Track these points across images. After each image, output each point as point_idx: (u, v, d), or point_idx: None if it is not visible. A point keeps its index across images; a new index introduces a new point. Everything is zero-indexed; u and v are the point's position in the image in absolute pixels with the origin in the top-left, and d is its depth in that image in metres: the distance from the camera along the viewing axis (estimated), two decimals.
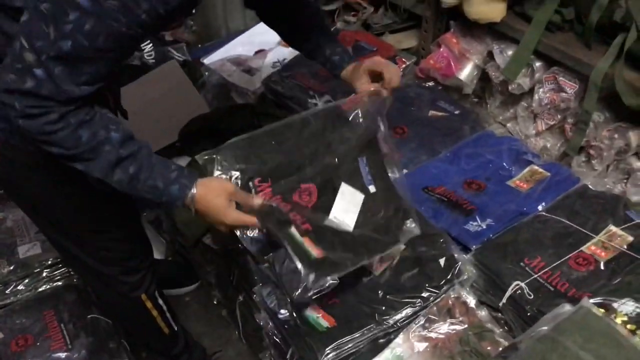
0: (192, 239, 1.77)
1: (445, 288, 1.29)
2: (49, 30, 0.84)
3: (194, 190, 1.04)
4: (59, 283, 1.60)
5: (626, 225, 1.31)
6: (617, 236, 1.29)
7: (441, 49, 1.83)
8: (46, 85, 0.87)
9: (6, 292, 1.55)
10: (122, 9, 0.83)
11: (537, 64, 1.61)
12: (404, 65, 1.93)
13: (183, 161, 1.86)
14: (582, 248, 1.28)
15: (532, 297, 1.21)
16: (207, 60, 2.23)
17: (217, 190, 1.06)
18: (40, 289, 1.57)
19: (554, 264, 1.25)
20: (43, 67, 0.85)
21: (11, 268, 1.57)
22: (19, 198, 1.24)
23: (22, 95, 0.87)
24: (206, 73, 2.17)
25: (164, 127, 1.93)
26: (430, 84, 1.90)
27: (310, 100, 1.81)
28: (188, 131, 1.92)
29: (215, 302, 1.91)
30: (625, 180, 1.50)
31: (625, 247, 1.26)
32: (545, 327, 0.95)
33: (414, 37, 2.04)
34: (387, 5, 2.07)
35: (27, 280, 1.56)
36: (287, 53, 2.14)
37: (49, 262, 1.60)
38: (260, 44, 2.26)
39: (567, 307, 1.02)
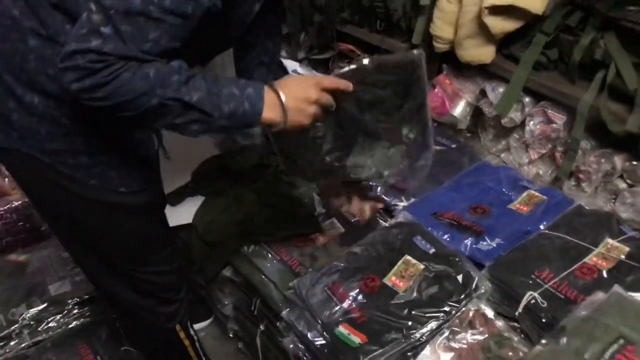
0: (211, 274, 1.85)
1: (464, 302, 1.40)
2: None
3: (275, 88, 1.03)
4: (89, 319, 1.65)
5: (621, 238, 1.45)
6: (615, 248, 1.43)
7: (436, 89, 2.00)
8: (111, 42, 0.88)
9: (38, 329, 1.59)
10: None
11: (527, 99, 1.79)
12: None
13: (197, 200, 1.96)
14: (585, 259, 1.41)
15: (545, 305, 1.33)
16: None
17: (297, 78, 1.08)
18: (71, 325, 1.62)
19: (562, 275, 1.38)
20: (111, 24, 0.87)
21: (44, 306, 1.62)
22: (72, 233, 1.29)
23: (85, 54, 0.87)
24: None
25: (178, 168, 2.03)
26: None
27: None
28: (201, 172, 2.03)
29: (230, 335, 1.97)
30: (613, 200, 1.65)
31: (623, 256, 1.40)
32: (584, 312, 1.08)
33: None
34: (381, 53, 2.24)
35: (59, 317, 1.61)
36: None
37: (80, 299, 1.65)
38: None
39: (600, 295, 1.15)
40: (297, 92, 1.05)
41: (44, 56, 1.04)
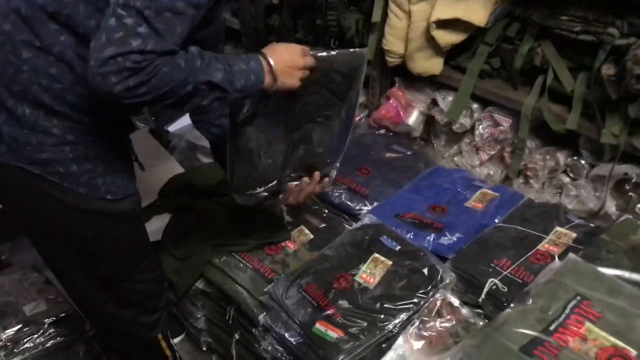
0: (182, 288, 1.87)
1: (432, 293, 1.49)
2: None
3: (265, 55, 1.16)
4: (65, 338, 1.66)
5: (569, 226, 1.59)
6: (564, 234, 1.56)
7: (390, 101, 2.11)
8: (151, 40, 0.95)
9: (14, 350, 1.59)
10: None
11: (475, 105, 1.93)
12: (358, 118, 2.20)
13: (164, 218, 1.99)
14: (538, 247, 1.53)
15: (506, 290, 1.43)
16: (171, 128, 2.41)
17: (284, 45, 1.21)
18: (47, 345, 1.62)
19: (518, 262, 1.50)
20: (145, 24, 0.95)
21: (19, 326, 1.61)
22: (62, 246, 1.32)
23: (127, 55, 0.93)
24: (174, 139, 2.34)
25: (143, 187, 2.06)
26: (382, 131, 2.17)
27: None
28: (167, 190, 2.07)
29: (204, 349, 1.99)
30: (559, 194, 1.80)
31: (571, 242, 1.53)
32: (544, 278, 1.20)
33: (362, 94, 2.32)
34: None
35: (35, 337, 1.61)
36: None
37: (56, 317, 1.65)
38: None
39: (557, 263, 1.27)
40: (285, 58, 1.19)
41: (38, 67, 1.09)
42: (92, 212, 1.23)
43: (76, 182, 1.18)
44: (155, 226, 1.96)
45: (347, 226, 1.80)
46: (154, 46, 0.96)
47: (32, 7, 1.08)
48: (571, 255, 1.35)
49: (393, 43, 1.98)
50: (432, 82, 2.04)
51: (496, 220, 1.67)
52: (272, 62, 1.16)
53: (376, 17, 2.02)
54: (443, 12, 1.79)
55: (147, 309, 1.47)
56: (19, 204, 1.27)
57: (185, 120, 2.44)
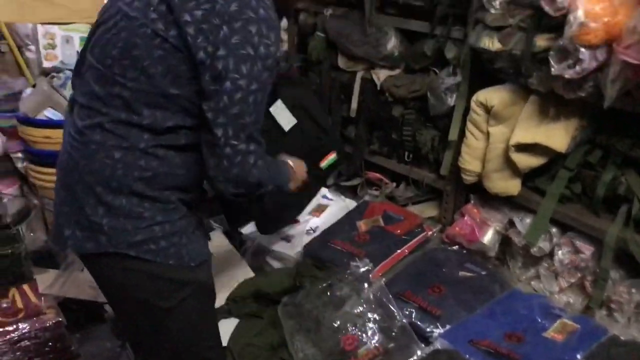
0: None
1: None
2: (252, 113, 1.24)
3: (291, 168, 1.60)
4: None
5: None
6: None
7: (465, 218, 2.09)
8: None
9: None
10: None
11: (554, 229, 1.88)
12: (430, 232, 2.18)
13: (231, 322, 1.99)
14: None
15: None
16: (244, 230, 2.46)
17: (296, 161, 1.66)
18: None
19: None
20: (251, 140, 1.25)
21: None
22: (152, 322, 1.42)
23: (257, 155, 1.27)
24: (246, 241, 2.38)
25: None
26: (455, 247, 2.14)
27: (353, 263, 2.01)
28: (236, 295, 2.08)
29: None
30: None
31: None
32: None
33: (435, 208, 2.32)
34: (409, 181, 2.38)
35: None
36: (319, 222, 2.39)
37: None
38: None
39: None
40: (299, 169, 1.65)
41: (129, 163, 1.27)
42: (179, 281, 1.38)
43: (166, 255, 1.34)
44: (222, 331, 1.96)
45: (417, 350, 1.73)
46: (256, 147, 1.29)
47: (118, 121, 1.26)
48: None
49: (469, 162, 1.98)
50: (509, 202, 2.01)
51: (578, 357, 1.57)
52: (295, 170, 1.59)
53: (453, 135, 2.05)
54: (523, 136, 1.80)
55: None
56: (114, 285, 1.42)
57: None
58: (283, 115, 1.95)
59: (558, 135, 1.78)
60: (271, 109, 1.86)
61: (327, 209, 2.47)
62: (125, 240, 1.31)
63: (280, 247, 2.32)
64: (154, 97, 1.24)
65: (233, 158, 1.22)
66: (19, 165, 2.87)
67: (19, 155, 2.84)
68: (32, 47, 2.87)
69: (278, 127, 2.20)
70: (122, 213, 1.30)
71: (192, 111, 1.26)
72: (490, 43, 1.75)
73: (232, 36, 1.16)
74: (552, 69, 1.58)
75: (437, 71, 2.14)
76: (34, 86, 2.76)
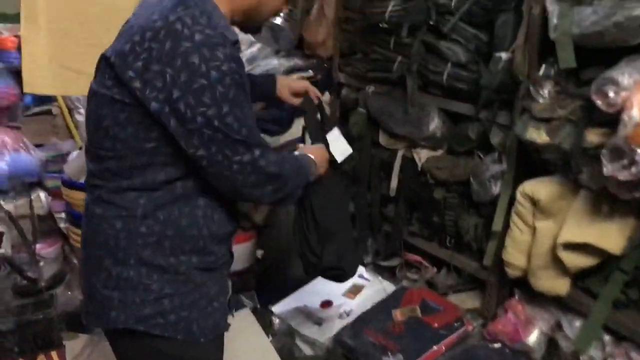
0: None
1: None
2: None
3: (310, 155, 1.50)
4: None
5: None
6: None
7: (508, 314, 1.94)
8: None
9: None
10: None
11: (607, 337, 1.70)
12: (471, 327, 2.03)
13: None
14: None
15: None
16: (276, 309, 2.36)
17: (312, 148, 1.60)
18: None
19: None
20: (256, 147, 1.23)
21: None
22: None
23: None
24: (277, 321, 2.28)
25: None
26: (498, 345, 1.98)
27: (386, 358, 1.88)
28: None
29: None
30: None
31: None
32: None
33: (477, 298, 2.17)
34: (450, 268, 2.24)
35: None
36: (354, 305, 2.28)
37: None
38: (325, 294, 2.39)
39: None
40: (319, 155, 1.55)
41: (131, 230, 1.25)
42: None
43: (175, 329, 1.29)
44: None
45: None
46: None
47: (113, 190, 1.26)
48: None
49: (514, 256, 1.85)
50: (557, 301, 1.85)
51: None
52: (316, 158, 1.51)
53: (497, 225, 1.93)
54: (572, 234, 1.66)
55: None
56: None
57: (291, 302, 2.39)
58: (338, 144, 1.81)
59: (612, 236, 1.63)
60: (328, 136, 1.72)
61: (363, 291, 2.36)
62: (133, 314, 1.27)
63: (311, 331, 2.20)
64: (136, 158, 1.22)
65: (244, 170, 1.22)
66: (62, 225, 2.90)
67: (62, 215, 2.88)
68: (82, 111, 2.93)
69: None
70: (131, 285, 1.27)
71: (177, 157, 1.22)
72: (537, 135, 1.64)
73: (178, 75, 1.13)
74: (605, 169, 1.45)
75: (481, 155, 2.03)
76: (80, 149, 2.81)
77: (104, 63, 1.22)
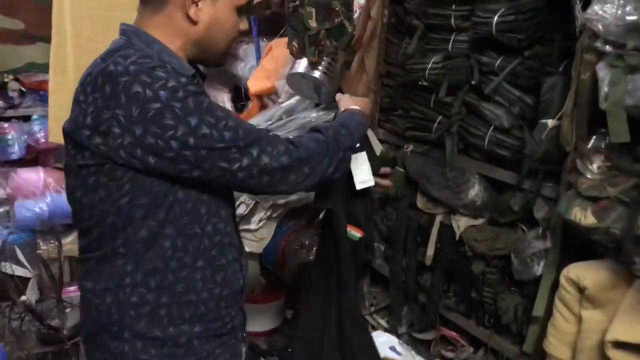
0: None
1: None
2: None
3: (355, 107, 1.53)
4: None
5: None
6: None
7: None
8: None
9: None
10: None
11: None
12: None
13: None
14: None
15: None
16: None
17: (353, 97, 1.64)
18: None
19: None
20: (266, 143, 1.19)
21: None
22: None
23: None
24: None
25: None
26: None
27: None
28: None
29: None
30: None
31: None
32: None
33: None
34: (487, 349, 2.03)
35: None
36: None
37: None
38: None
39: None
40: (359, 102, 1.58)
41: (122, 302, 1.20)
42: None
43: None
44: None
45: None
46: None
47: (100, 258, 1.21)
48: None
49: (558, 349, 1.62)
50: None
51: None
52: (356, 108, 1.53)
53: (539, 310, 1.72)
54: (623, 332, 1.44)
55: None
56: None
57: None
58: (362, 170, 1.64)
59: None
60: (354, 157, 1.55)
61: None
62: None
63: None
64: (114, 219, 1.17)
65: (251, 174, 1.15)
66: None
67: None
68: None
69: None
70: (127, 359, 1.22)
71: (156, 207, 1.15)
72: (582, 216, 1.44)
73: (130, 111, 1.06)
74: None
75: (525, 229, 1.83)
76: None
77: (64, 137, 1.19)
